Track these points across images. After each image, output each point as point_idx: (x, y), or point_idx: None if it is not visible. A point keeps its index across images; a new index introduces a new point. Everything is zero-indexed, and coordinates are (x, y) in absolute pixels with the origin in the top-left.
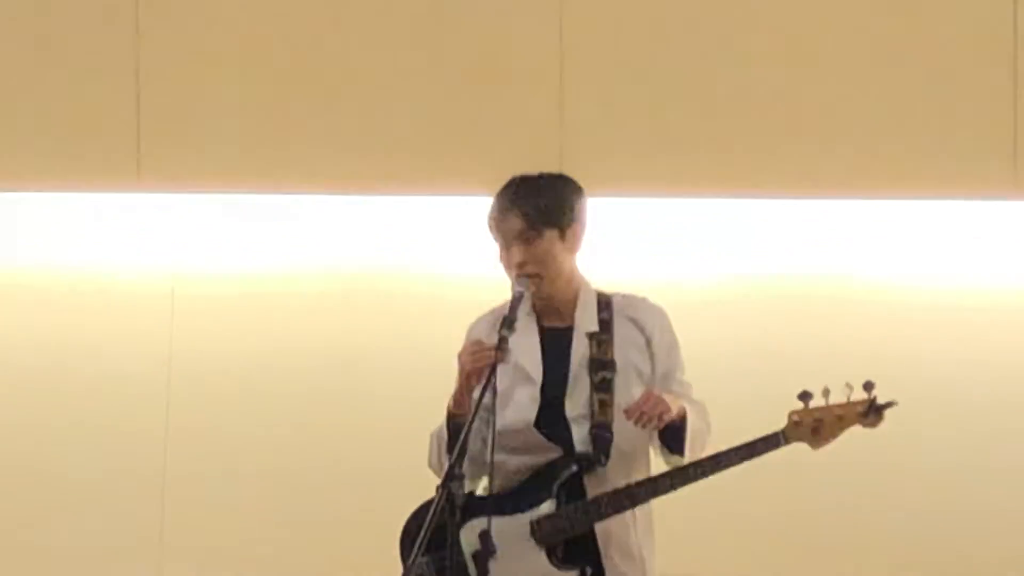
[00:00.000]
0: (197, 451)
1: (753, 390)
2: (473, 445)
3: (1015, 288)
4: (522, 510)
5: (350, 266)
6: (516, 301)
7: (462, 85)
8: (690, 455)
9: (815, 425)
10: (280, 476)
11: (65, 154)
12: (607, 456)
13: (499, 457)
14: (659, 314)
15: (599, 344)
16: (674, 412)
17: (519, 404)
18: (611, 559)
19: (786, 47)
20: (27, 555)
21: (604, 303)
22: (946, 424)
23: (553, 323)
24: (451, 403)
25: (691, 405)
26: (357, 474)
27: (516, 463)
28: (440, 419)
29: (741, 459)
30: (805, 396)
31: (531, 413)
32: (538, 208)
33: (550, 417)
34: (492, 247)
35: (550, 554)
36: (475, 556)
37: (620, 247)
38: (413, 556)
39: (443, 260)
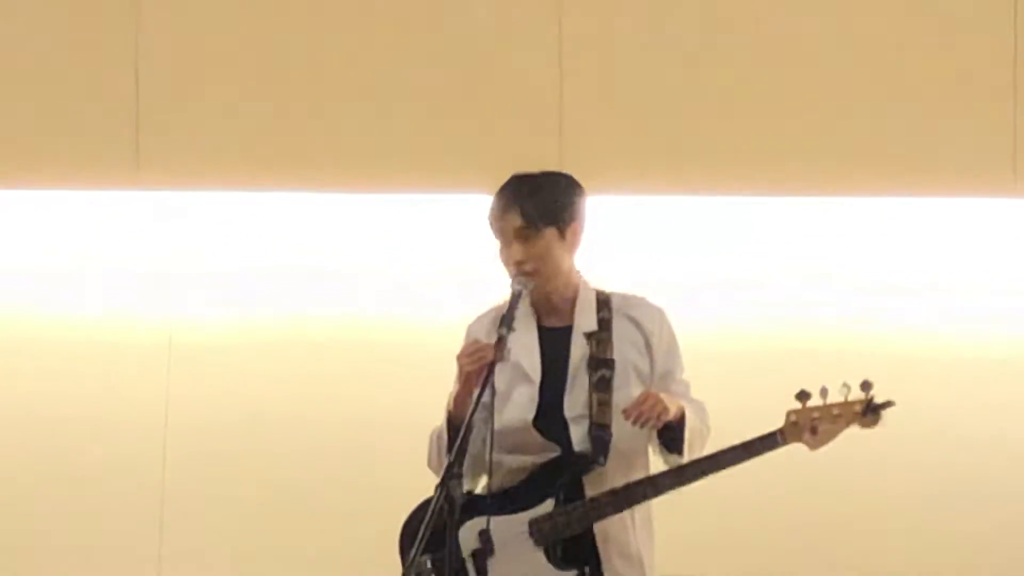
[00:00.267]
0: (197, 449)
1: (751, 389)
2: (472, 444)
3: (1015, 286)
4: (521, 509)
5: (348, 264)
6: (515, 300)
7: (462, 83)
8: (688, 455)
9: (813, 425)
10: (279, 477)
11: (63, 151)
12: (606, 456)
13: (498, 456)
14: (658, 313)
15: (598, 343)
16: (673, 412)
17: (517, 403)
18: (609, 559)
19: (786, 45)
20: (26, 555)
21: (603, 302)
22: (946, 423)
23: (552, 322)
24: (450, 403)
25: (690, 405)
26: (356, 476)
27: (515, 462)
28: (440, 419)
29: (739, 459)
30: (803, 396)
31: (530, 412)
32: (537, 206)
33: (549, 416)
34: (492, 245)
35: (548, 554)
36: (474, 555)
37: (619, 245)
38: (412, 555)
39: (442, 258)
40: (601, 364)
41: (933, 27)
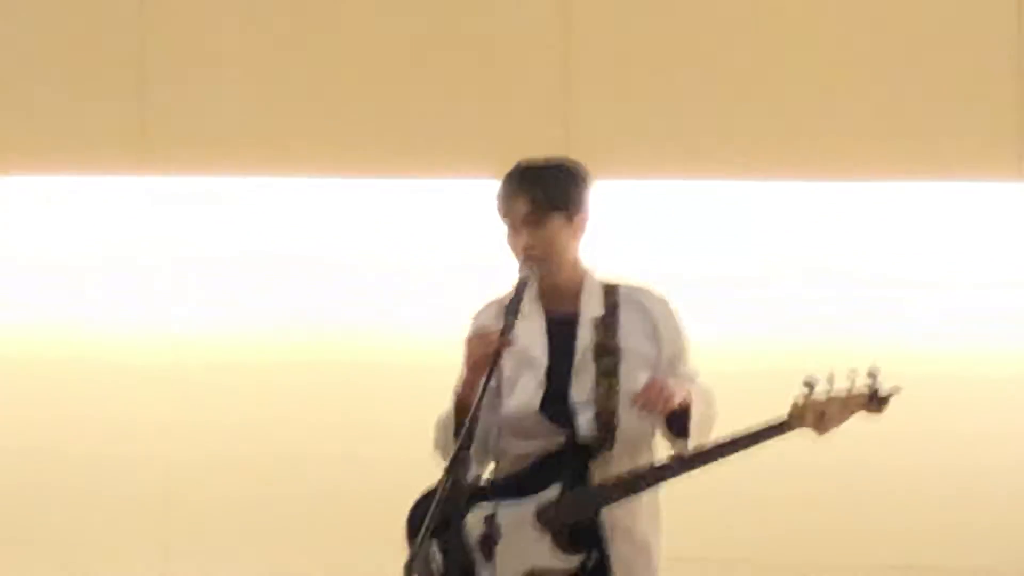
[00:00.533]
0: (198, 447)
1: (758, 374)
2: (479, 430)
3: (1018, 270)
4: (527, 495)
5: (354, 250)
6: (521, 286)
7: (468, 68)
8: (695, 441)
9: (819, 411)
10: (281, 470)
11: (69, 137)
12: (612, 442)
13: (504, 442)
14: (664, 301)
15: (604, 330)
16: (679, 398)
17: (524, 390)
18: (616, 545)
19: (793, 29)
20: (27, 555)
21: (609, 290)
22: (950, 412)
23: (558, 309)
24: (458, 388)
25: (697, 391)
26: (361, 468)
27: (521, 448)
28: (446, 405)
29: (746, 445)
30: (809, 382)
31: (536, 399)
32: (545, 192)
33: (555, 403)
34: (498, 232)
35: (555, 539)
36: (481, 540)
37: (626, 230)
38: (419, 539)
39: (449, 244)
40: (608, 351)
41: (937, 10)
